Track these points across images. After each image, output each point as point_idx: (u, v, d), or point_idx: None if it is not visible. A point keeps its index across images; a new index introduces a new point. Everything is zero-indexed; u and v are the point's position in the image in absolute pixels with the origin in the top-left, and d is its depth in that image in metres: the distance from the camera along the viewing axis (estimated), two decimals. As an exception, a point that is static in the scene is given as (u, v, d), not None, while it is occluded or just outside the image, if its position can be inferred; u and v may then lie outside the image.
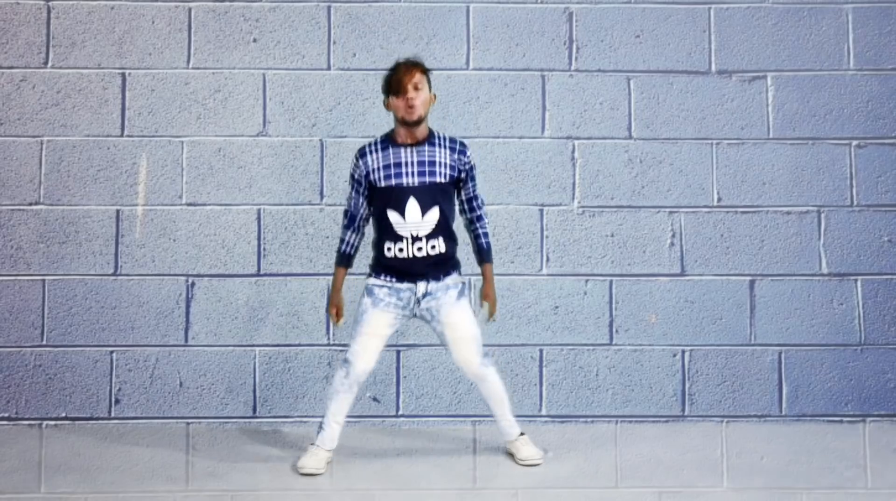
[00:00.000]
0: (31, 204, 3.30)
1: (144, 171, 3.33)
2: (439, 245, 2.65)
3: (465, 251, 2.82)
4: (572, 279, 3.33)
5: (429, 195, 2.64)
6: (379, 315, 2.67)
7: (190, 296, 3.29)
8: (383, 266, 2.68)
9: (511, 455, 2.82)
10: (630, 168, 3.36)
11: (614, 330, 3.32)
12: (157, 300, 3.28)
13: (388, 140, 2.71)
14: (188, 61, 3.36)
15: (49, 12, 3.36)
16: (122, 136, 3.33)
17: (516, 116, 3.37)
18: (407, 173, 2.65)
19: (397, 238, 2.64)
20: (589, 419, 3.28)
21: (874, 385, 3.30)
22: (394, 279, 2.67)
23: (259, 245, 3.31)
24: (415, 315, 2.71)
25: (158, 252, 3.30)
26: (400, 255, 2.64)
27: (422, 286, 2.66)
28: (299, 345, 3.29)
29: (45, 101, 3.33)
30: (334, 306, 2.76)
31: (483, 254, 2.81)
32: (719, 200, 3.36)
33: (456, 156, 2.69)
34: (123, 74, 3.35)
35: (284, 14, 3.38)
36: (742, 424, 3.26)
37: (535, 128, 3.37)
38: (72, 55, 3.35)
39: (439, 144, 2.70)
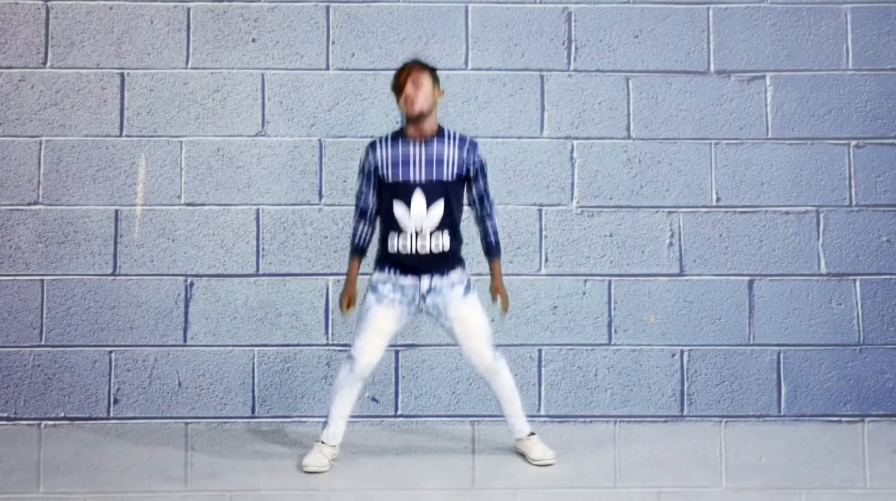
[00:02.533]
0: (29, 204, 3.29)
1: (143, 171, 3.32)
2: (443, 241, 2.65)
3: (472, 251, 2.83)
4: (571, 279, 3.33)
5: (434, 191, 2.65)
6: (383, 313, 2.68)
7: (189, 296, 3.29)
8: (387, 260, 2.69)
9: (522, 454, 2.82)
10: (629, 168, 3.36)
11: (613, 330, 3.32)
12: (156, 300, 3.28)
13: (399, 136, 2.73)
14: (187, 61, 3.36)
15: (48, 12, 3.36)
16: (120, 136, 3.33)
17: (515, 116, 3.37)
18: (414, 170, 2.67)
19: (401, 232, 2.65)
20: (588, 419, 3.28)
21: (873, 385, 3.30)
22: (397, 272, 2.67)
23: (258, 245, 3.31)
24: (420, 311, 2.72)
25: (157, 252, 3.30)
26: (403, 250, 2.65)
27: (426, 281, 2.67)
28: (298, 345, 3.29)
29: (44, 101, 3.33)
30: (347, 297, 2.79)
31: (491, 251, 2.82)
32: (718, 200, 3.36)
33: (464, 154, 2.71)
34: (122, 74, 3.35)
35: (283, 14, 3.38)
36: (741, 424, 3.26)
37: (534, 128, 3.37)
38: (70, 55, 3.35)
39: (448, 142, 2.71)
